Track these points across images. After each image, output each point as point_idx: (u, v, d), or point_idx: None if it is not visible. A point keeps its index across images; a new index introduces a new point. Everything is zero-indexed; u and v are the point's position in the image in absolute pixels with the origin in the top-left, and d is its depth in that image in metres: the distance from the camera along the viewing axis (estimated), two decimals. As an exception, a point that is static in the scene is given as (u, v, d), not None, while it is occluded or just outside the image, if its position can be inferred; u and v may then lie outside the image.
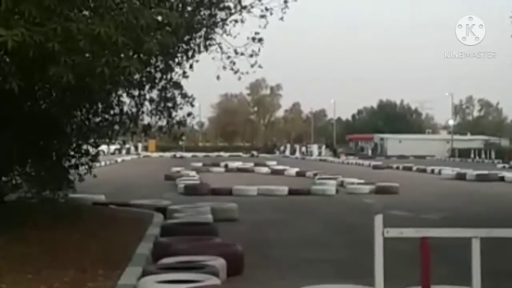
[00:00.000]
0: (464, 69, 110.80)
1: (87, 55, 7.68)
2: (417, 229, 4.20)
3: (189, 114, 13.76)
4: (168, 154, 68.47)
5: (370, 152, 78.04)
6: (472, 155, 66.30)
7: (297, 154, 78.06)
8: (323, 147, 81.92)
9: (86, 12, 8.09)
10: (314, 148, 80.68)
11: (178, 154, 68.12)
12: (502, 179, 29.26)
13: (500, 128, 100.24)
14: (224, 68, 13.67)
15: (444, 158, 67.10)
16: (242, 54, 13.35)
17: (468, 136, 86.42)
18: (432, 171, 36.54)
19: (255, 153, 75.36)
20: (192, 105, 13.78)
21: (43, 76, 8.31)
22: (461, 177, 30.48)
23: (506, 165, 45.11)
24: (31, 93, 11.40)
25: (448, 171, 34.13)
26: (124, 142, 17.17)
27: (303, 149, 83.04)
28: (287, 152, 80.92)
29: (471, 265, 4.09)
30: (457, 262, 6.69)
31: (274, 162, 44.69)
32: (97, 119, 14.00)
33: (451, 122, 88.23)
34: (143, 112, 13.86)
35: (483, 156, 64.92)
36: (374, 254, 4.03)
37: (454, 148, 74.65)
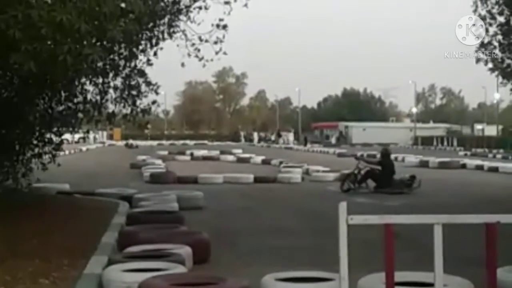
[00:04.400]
0: (426, 57, 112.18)
1: (49, 42, 7.56)
2: (380, 216, 4.24)
3: (153, 102, 13.64)
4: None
5: (334, 140, 78.48)
6: (434, 143, 67.19)
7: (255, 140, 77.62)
8: (290, 135, 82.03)
9: (48, -1, 7.95)
10: (290, 136, 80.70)
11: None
12: (463, 166, 29.75)
13: (462, 116, 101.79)
14: (189, 55, 13.61)
15: (408, 146, 67.85)
16: (206, 41, 13.29)
17: (431, 124, 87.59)
18: (396, 158, 36.83)
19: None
20: (157, 93, 13.68)
21: (4, 64, 8.17)
22: (424, 164, 30.86)
23: (468, 153, 45.82)
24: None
25: (412, 158, 34.50)
26: (88, 131, 16.94)
27: (272, 137, 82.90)
28: (255, 141, 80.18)
29: (434, 251, 4.16)
30: (422, 248, 6.81)
31: (240, 150, 44.70)
32: (61, 108, 13.84)
33: (414, 110, 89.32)
34: (107, 100, 13.70)
35: (445, 143, 65.81)
36: (339, 241, 4.07)
37: (417, 136, 75.55)
